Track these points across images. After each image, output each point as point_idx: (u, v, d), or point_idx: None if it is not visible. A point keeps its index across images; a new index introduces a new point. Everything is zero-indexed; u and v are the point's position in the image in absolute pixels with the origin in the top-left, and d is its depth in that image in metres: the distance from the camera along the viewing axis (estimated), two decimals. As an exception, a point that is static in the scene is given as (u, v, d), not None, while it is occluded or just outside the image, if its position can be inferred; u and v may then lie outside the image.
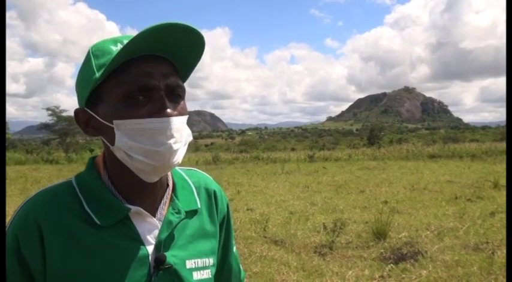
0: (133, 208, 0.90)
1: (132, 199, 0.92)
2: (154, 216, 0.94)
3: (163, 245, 0.92)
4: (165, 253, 0.91)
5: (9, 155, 33.15)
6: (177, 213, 0.97)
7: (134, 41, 0.81)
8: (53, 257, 0.85)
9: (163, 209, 0.96)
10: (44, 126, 50.62)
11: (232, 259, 1.16)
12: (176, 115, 0.86)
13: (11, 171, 19.42)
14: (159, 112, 0.84)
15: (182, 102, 0.90)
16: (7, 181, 15.83)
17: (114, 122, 0.85)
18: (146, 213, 0.92)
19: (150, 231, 0.92)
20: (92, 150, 35.83)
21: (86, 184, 0.93)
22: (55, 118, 49.15)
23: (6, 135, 30.56)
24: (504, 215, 7.35)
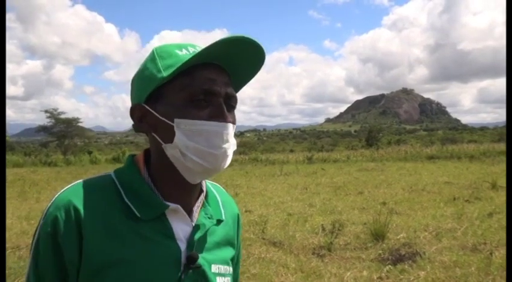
0: (172, 205, 0.93)
1: (169, 197, 0.94)
2: (189, 217, 0.97)
3: (195, 245, 0.94)
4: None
5: (7, 157, 33.03)
6: (209, 218, 1.01)
7: (207, 49, 0.86)
8: (90, 246, 0.86)
9: (197, 212, 0.99)
10: (42, 129, 50.54)
11: (238, 275, 1.19)
12: (231, 122, 0.92)
13: (9, 173, 19.38)
14: (219, 116, 0.89)
15: (233, 113, 0.95)
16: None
17: (175, 120, 0.89)
18: (183, 212, 0.95)
19: (184, 230, 0.94)
20: (90, 153, 35.75)
21: (126, 178, 0.95)
22: (53, 120, 49.09)
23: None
24: (502, 216, 7.37)
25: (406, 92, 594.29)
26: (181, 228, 0.94)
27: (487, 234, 6.30)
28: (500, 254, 5.22)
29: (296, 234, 6.81)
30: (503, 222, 6.85)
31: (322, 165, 22.70)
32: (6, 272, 5.18)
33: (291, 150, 50.13)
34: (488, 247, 5.53)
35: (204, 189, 1.04)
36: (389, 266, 5.08)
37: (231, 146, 0.92)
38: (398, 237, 6.29)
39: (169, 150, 0.90)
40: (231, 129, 0.91)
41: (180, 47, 0.94)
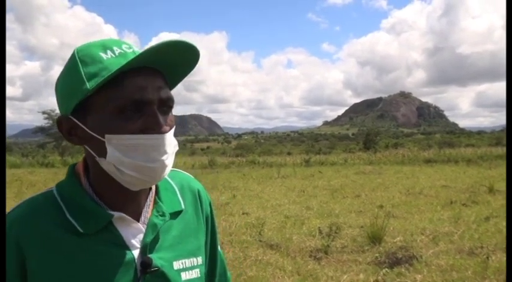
0: (116, 214, 0.89)
1: (115, 205, 0.91)
2: (139, 221, 0.93)
3: (148, 248, 0.91)
4: (151, 256, 0.91)
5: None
6: (161, 215, 0.96)
7: (136, 59, 0.80)
8: (36, 271, 0.84)
9: (148, 212, 0.96)
10: (40, 130, 50.45)
11: (218, 259, 1.16)
12: (168, 130, 0.86)
13: (6, 174, 19.30)
14: (153, 128, 0.84)
15: (171, 114, 0.90)
16: (2, 184, 15.71)
17: (106, 136, 0.83)
18: (129, 218, 0.91)
19: (135, 235, 0.91)
20: (87, 154, 35.62)
21: (67, 192, 0.92)
22: (51, 121, 49.01)
23: (2, 139, 30.30)
24: (499, 220, 7.38)
25: (404, 96, 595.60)
26: (132, 234, 0.91)
27: (483, 238, 6.30)
28: (497, 258, 5.23)
29: (293, 236, 6.80)
30: (500, 226, 6.86)
31: (319, 168, 22.69)
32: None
33: (289, 153, 50.15)
34: (485, 251, 5.53)
35: (154, 186, 0.99)
36: (386, 269, 5.09)
37: (170, 154, 0.87)
38: (395, 241, 6.29)
39: (104, 164, 0.86)
40: (168, 139, 0.85)
41: (105, 47, 0.87)
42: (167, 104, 0.88)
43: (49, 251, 0.85)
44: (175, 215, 1.00)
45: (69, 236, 0.86)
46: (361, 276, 4.95)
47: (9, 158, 33.72)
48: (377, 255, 5.65)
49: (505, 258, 5.05)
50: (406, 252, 5.63)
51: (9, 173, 20.87)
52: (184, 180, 1.09)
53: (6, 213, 0.91)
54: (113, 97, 0.82)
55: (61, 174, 20.81)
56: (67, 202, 0.90)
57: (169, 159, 0.87)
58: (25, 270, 0.84)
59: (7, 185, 14.69)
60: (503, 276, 4.55)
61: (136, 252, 0.90)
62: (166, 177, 1.02)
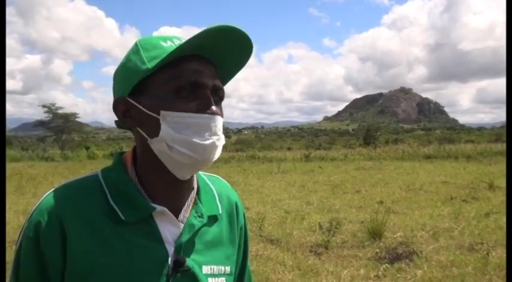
0: (158, 208, 0.90)
1: (157, 198, 0.92)
2: (177, 218, 0.94)
3: (183, 247, 0.91)
4: (185, 256, 0.91)
5: (5, 152, 32.89)
6: (199, 217, 0.97)
7: (193, 39, 0.84)
8: (74, 252, 0.85)
9: (187, 211, 0.96)
10: (40, 124, 50.49)
11: (246, 272, 1.17)
12: (219, 114, 0.89)
13: (6, 168, 19.30)
14: (206, 109, 0.86)
15: (221, 105, 0.93)
16: (2, 178, 15.73)
17: (161, 112, 0.86)
18: (170, 214, 0.91)
19: (172, 232, 0.92)
20: (87, 148, 35.71)
21: (112, 179, 0.93)
22: (51, 115, 49.02)
23: (1, 132, 30.31)
24: (499, 216, 7.38)
25: (405, 91, 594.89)
26: (169, 231, 0.91)
27: (483, 234, 6.31)
28: (497, 253, 5.23)
29: (293, 231, 6.81)
30: (500, 222, 6.87)
31: (319, 163, 22.71)
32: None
33: (289, 148, 50.10)
34: (485, 247, 5.53)
35: (195, 186, 1.01)
36: (386, 264, 5.09)
37: (220, 138, 0.89)
38: (395, 236, 6.29)
39: (155, 144, 0.88)
40: (219, 121, 0.88)
41: (165, 39, 0.92)
42: (219, 93, 0.91)
43: (89, 234, 0.86)
44: (212, 219, 1.00)
45: (110, 222, 0.87)
46: (362, 271, 4.96)
47: (9, 152, 33.71)
48: (377, 250, 5.65)
49: (505, 255, 5.05)
50: (407, 248, 5.63)
51: (9, 166, 20.86)
52: (224, 188, 1.10)
53: (48, 192, 0.91)
54: (171, 77, 0.86)
55: (61, 168, 20.87)
56: (111, 188, 0.91)
57: (219, 142, 0.89)
58: (65, 249, 0.85)
59: (7, 179, 14.70)
60: (504, 272, 4.55)
61: (170, 250, 0.90)
62: (207, 180, 1.06)
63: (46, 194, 0.90)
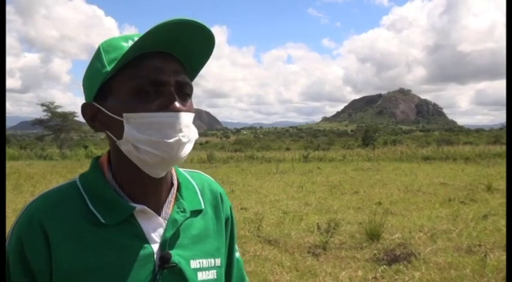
0: (138, 206, 0.90)
1: (136, 198, 0.92)
2: (159, 215, 0.94)
3: (168, 243, 0.92)
4: (170, 252, 0.91)
5: (3, 150, 32.84)
6: (182, 212, 0.97)
7: (148, 35, 0.82)
8: (59, 258, 0.85)
9: (169, 207, 0.96)
10: (39, 122, 50.50)
11: (234, 264, 1.16)
12: (184, 110, 0.87)
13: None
14: (169, 106, 0.85)
15: (190, 101, 0.92)
16: (0, 176, 15.70)
17: (124, 115, 0.85)
18: (151, 211, 0.92)
19: (155, 229, 0.92)
20: (86, 147, 35.70)
21: (90, 183, 0.93)
22: (49, 114, 48.99)
23: None
24: (497, 218, 7.38)
25: (403, 93, 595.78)
26: (152, 228, 0.91)
27: (482, 236, 6.30)
28: (495, 256, 5.23)
29: (291, 232, 6.80)
30: (499, 224, 6.87)
31: (318, 164, 22.71)
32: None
33: (287, 149, 50.11)
34: (483, 249, 5.52)
35: (175, 182, 1.01)
36: (384, 266, 5.08)
37: (186, 134, 0.87)
38: (393, 238, 6.28)
39: (123, 146, 0.88)
40: (184, 118, 0.87)
41: (127, 38, 0.91)
42: (184, 88, 0.90)
43: (72, 239, 0.86)
44: (195, 213, 1.00)
45: (91, 226, 0.88)
46: (360, 273, 4.95)
47: (8, 150, 33.60)
48: (375, 252, 5.65)
49: (503, 257, 5.05)
50: (405, 250, 5.62)
51: (8, 165, 20.81)
52: (206, 182, 1.10)
53: (27, 204, 0.92)
54: (130, 78, 0.85)
55: (59, 166, 20.83)
56: (90, 193, 0.92)
57: (186, 138, 0.88)
58: (50, 256, 0.85)
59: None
60: (502, 275, 4.55)
61: (155, 247, 0.91)
62: (188, 176, 1.05)
63: (26, 206, 0.91)
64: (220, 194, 1.11)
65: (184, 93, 0.90)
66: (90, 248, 0.86)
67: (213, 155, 27.60)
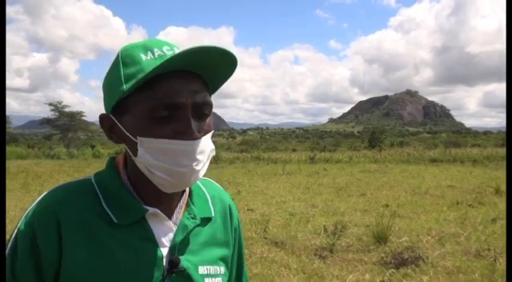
0: (151, 209, 0.91)
1: (149, 201, 0.93)
2: (170, 220, 0.95)
3: (177, 248, 0.92)
4: (180, 257, 0.91)
5: (11, 149, 33.15)
6: (192, 218, 0.97)
7: (168, 62, 0.80)
8: (69, 251, 0.85)
9: (179, 213, 0.97)
10: (46, 121, 50.85)
11: (243, 276, 1.17)
12: (201, 136, 0.86)
13: (12, 165, 19.40)
14: (184, 133, 0.83)
15: (208, 119, 0.90)
16: (8, 175, 15.83)
17: (138, 138, 0.85)
18: (163, 215, 0.92)
19: (165, 233, 0.93)
20: (93, 147, 35.85)
21: (105, 183, 0.94)
22: (57, 113, 49.30)
23: (7, 130, 30.60)
24: (506, 222, 7.30)
25: (411, 94, 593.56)
26: (162, 232, 0.92)
27: (490, 240, 6.25)
28: (504, 260, 5.17)
29: (298, 234, 6.78)
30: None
31: (324, 165, 22.66)
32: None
33: (294, 150, 50.01)
34: (492, 253, 5.47)
35: (187, 189, 1.01)
36: (392, 269, 5.05)
37: (201, 161, 0.87)
38: (401, 241, 6.24)
39: (138, 164, 0.88)
40: (200, 145, 0.85)
41: (146, 49, 0.89)
42: (203, 109, 0.87)
43: (84, 235, 0.87)
44: (205, 221, 1.01)
45: (104, 224, 0.88)
46: (367, 276, 4.92)
47: (16, 149, 33.87)
48: (383, 255, 5.61)
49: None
50: (412, 253, 5.57)
51: (15, 164, 20.96)
52: (216, 191, 1.11)
53: (44, 193, 0.92)
54: (145, 100, 0.83)
55: (66, 166, 20.92)
56: (104, 192, 0.92)
57: (199, 165, 0.87)
58: (61, 249, 0.85)
59: (13, 176, 14.81)
60: None
61: (165, 251, 0.91)
62: (199, 184, 1.05)
63: (42, 195, 0.91)
64: (230, 205, 1.11)
65: (203, 113, 0.88)
66: (100, 246, 0.86)
67: (219, 156, 27.61)
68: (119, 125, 0.88)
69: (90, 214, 0.88)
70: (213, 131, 0.91)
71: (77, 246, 0.85)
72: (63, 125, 49.80)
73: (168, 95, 0.82)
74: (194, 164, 0.85)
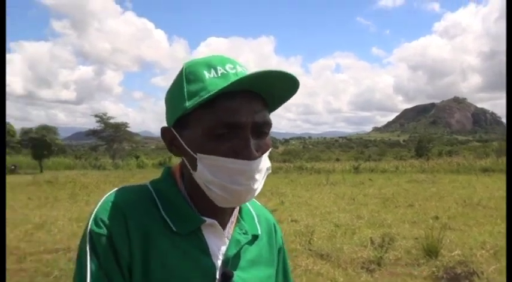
0: (208, 220, 0.92)
1: (205, 212, 0.93)
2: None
3: (230, 262, 0.93)
4: (232, 271, 0.92)
5: (60, 160, 34.45)
6: (244, 233, 0.99)
7: (232, 85, 0.81)
8: (135, 252, 0.86)
9: (231, 227, 0.98)
10: (92, 133, 52.44)
11: None
12: (259, 156, 0.87)
13: (60, 176, 20.11)
14: (242, 152, 0.85)
15: (267, 138, 0.91)
16: (57, 185, 16.40)
17: (198, 155, 0.86)
18: (219, 227, 0.94)
19: (219, 246, 0.94)
20: (137, 157, 36.70)
21: (163, 191, 0.95)
22: (102, 125, 50.78)
23: (56, 141, 31.79)
24: None
25: (458, 101, 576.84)
26: (216, 244, 0.93)
27: (550, 254, 5.93)
28: None
29: (344, 246, 6.66)
30: None
31: (369, 175, 22.30)
32: (57, 273, 5.34)
33: (337, 159, 49.55)
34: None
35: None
36: (444, 284, 4.87)
37: (258, 180, 0.88)
38: (452, 254, 6.02)
39: (197, 178, 0.90)
40: (256, 165, 0.86)
41: (209, 66, 0.90)
42: (262, 128, 0.89)
43: (146, 238, 0.87)
44: (252, 238, 1.02)
45: (162, 230, 0.89)
46: (417, 291, 4.77)
47: (64, 160, 35.18)
48: (434, 269, 5.43)
49: None
50: (466, 268, 5.36)
51: (64, 174, 21.71)
52: (260, 210, 1.13)
53: (109, 193, 0.93)
54: (206, 118, 0.85)
55: (112, 176, 21.47)
56: (162, 200, 0.93)
57: (256, 184, 0.88)
58: (130, 246, 0.85)
59: (62, 186, 15.31)
60: None
61: (217, 263, 0.92)
62: (246, 203, 1.04)
63: (107, 195, 0.92)
64: (274, 224, 1.13)
65: (262, 132, 0.89)
66: (160, 251, 0.87)
67: (262, 166, 27.63)
68: (180, 139, 0.90)
69: (152, 219, 0.89)
70: (270, 149, 0.92)
71: (140, 249, 0.86)
72: (109, 136, 51.19)
73: (229, 113, 0.84)
74: (251, 183, 0.87)
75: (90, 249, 0.85)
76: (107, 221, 0.86)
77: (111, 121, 51.20)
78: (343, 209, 10.60)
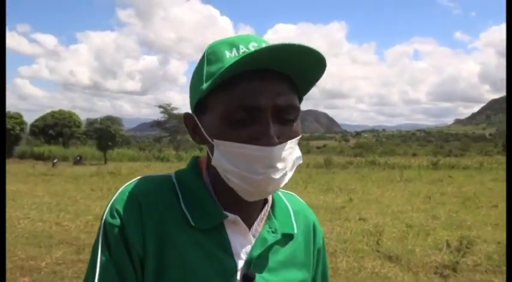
0: (231, 216, 0.88)
1: (229, 207, 0.90)
2: (249, 231, 0.92)
3: (253, 263, 0.89)
4: (255, 273, 0.88)
5: (123, 151, 36.00)
6: (273, 232, 0.93)
7: (245, 58, 0.77)
8: (149, 246, 0.84)
9: (259, 225, 0.94)
10: (156, 124, 54.30)
11: None
12: (281, 142, 0.81)
13: (124, 167, 21.03)
14: (261, 138, 0.80)
15: (295, 125, 0.85)
16: (120, 177, 17.15)
17: (214, 141, 0.84)
18: (243, 224, 0.90)
19: (243, 245, 0.90)
20: (201, 149, 37.55)
21: (186, 182, 0.93)
22: (166, 116, 52.36)
23: (120, 132, 33.20)
24: None
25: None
26: (239, 242, 0.90)
27: None
28: None
29: (416, 249, 6.52)
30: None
31: (449, 172, 21.58)
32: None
33: (414, 154, 48.24)
34: None
35: (270, 199, 0.97)
36: (529, 295, 4.61)
37: (280, 169, 0.82)
38: (541, 262, 5.70)
39: (216, 167, 0.87)
40: (278, 152, 0.80)
41: (232, 45, 0.86)
42: (286, 113, 0.83)
43: (161, 232, 0.86)
44: (286, 237, 0.96)
45: (180, 224, 0.87)
46: (498, 301, 4.56)
47: (128, 152, 36.75)
48: (518, 277, 5.16)
49: None
50: (556, 277, 5.06)
51: (127, 166, 22.69)
52: (300, 206, 1.06)
53: (129, 182, 0.92)
54: (223, 100, 0.82)
55: (175, 168, 22.19)
56: (184, 191, 0.91)
57: (278, 174, 0.82)
58: (144, 240, 0.84)
59: (124, 178, 15.99)
60: None
61: (240, 263, 0.88)
62: (282, 197, 1.02)
63: (125, 186, 0.91)
64: (314, 222, 1.06)
65: (285, 118, 0.83)
66: (176, 247, 0.85)
67: (331, 160, 27.49)
68: (200, 125, 0.88)
69: (168, 211, 0.87)
70: (299, 137, 0.86)
71: (154, 243, 0.84)
72: (172, 127, 52.69)
73: (246, 95, 0.80)
74: (270, 171, 0.81)
75: (102, 240, 0.85)
76: (121, 212, 0.85)
77: (175, 112, 52.61)
78: (417, 208, 10.36)
